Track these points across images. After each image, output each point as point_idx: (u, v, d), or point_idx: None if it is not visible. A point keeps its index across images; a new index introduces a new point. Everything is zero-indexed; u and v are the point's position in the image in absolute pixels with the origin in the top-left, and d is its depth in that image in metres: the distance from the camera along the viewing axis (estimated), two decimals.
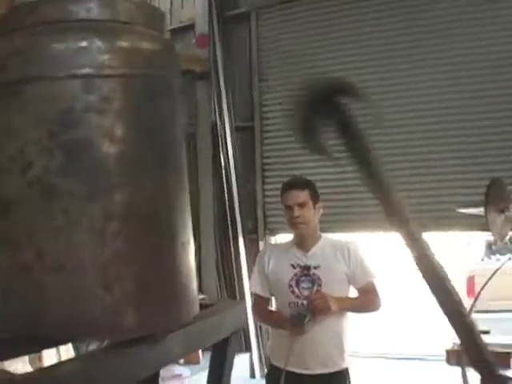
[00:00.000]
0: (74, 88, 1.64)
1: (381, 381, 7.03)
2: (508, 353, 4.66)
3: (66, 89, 1.64)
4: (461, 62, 5.58)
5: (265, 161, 6.27)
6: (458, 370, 5.00)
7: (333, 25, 6.03)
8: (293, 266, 3.64)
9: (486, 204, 4.75)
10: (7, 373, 1.47)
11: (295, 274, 3.64)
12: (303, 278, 3.66)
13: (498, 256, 9.99)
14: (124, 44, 1.68)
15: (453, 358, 4.88)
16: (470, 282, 9.83)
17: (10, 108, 1.67)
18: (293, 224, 3.64)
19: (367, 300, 3.71)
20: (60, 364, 1.58)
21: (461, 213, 5.23)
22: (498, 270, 3.66)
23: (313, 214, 3.61)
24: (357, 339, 4.15)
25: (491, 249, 10.02)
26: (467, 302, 6.35)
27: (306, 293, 3.61)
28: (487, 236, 9.09)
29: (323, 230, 3.74)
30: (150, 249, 1.71)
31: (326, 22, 6.05)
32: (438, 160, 5.67)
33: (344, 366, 3.64)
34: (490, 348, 4.83)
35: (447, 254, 14.85)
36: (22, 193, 1.65)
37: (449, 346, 5.01)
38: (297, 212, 3.57)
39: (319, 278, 3.62)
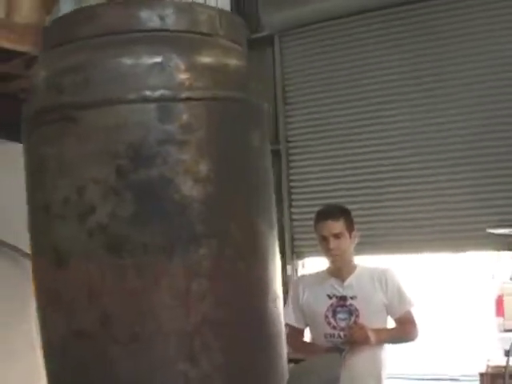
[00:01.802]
0: (146, 114, 1.25)
1: None
2: None
3: (136, 115, 1.25)
4: (487, 80, 5.26)
5: (291, 184, 5.92)
6: None
7: (356, 46, 5.72)
8: (329, 296, 3.42)
9: None
10: None
11: (331, 305, 3.40)
12: (340, 309, 3.41)
13: None
14: (208, 60, 1.29)
15: (487, 381, 4.66)
16: (499, 301, 9.62)
17: (64, 138, 1.28)
18: (328, 255, 3.42)
19: (405, 330, 3.47)
20: None
21: (489, 233, 4.91)
22: None
23: (348, 244, 3.40)
24: (392, 359, 3.86)
25: None
26: (496, 321, 6.09)
27: (342, 324, 3.38)
28: None
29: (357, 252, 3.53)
30: (241, 311, 1.31)
31: (349, 44, 5.74)
32: (467, 180, 5.35)
33: None
34: None
35: (476, 273, 14.59)
36: (82, 244, 1.26)
37: (483, 369, 4.76)
38: (332, 244, 3.35)
39: (356, 309, 3.38)
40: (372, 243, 5.62)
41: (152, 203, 1.24)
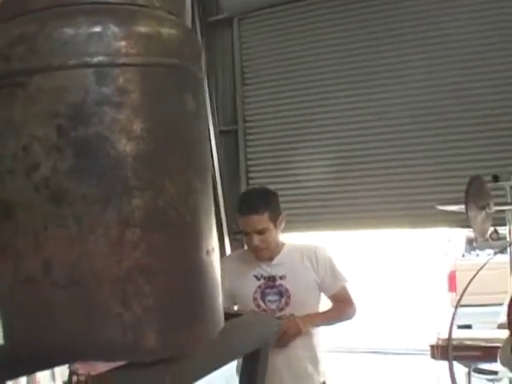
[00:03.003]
0: (85, 78, 1.35)
1: (367, 375, 6.85)
2: (493, 347, 4.46)
3: (76, 79, 1.35)
4: (436, 57, 5.38)
5: (249, 162, 6.02)
6: (442, 364, 4.84)
7: (312, 29, 5.80)
8: (256, 277, 3.22)
9: (466, 201, 4.58)
10: None
11: (259, 286, 3.21)
12: (269, 291, 3.23)
13: (477, 252, 9.93)
14: (143, 29, 1.39)
15: (437, 352, 4.72)
16: (452, 277, 9.81)
17: (13, 101, 1.37)
18: (253, 251, 3.20)
19: (340, 310, 3.35)
20: None
21: (441, 210, 5.04)
22: (485, 264, 3.44)
23: (274, 235, 3.18)
24: (343, 335, 3.93)
25: (471, 245, 9.92)
26: (449, 297, 6.22)
27: (273, 306, 3.20)
28: (467, 232, 9.00)
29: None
30: (173, 259, 1.42)
31: (306, 27, 5.83)
32: (418, 159, 5.49)
33: (321, 379, 3.29)
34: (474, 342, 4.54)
35: (428, 250, 14.83)
36: (28, 196, 1.35)
37: (433, 341, 4.85)
38: (256, 240, 3.12)
39: (287, 290, 3.20)
40: (327, 220, 5.78)
41: (90, 158, 1.34)
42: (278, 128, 5.87)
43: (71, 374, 1.29)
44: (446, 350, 4.51)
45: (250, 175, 6.02)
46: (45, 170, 1.34)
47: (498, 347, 4.37)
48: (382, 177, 5.59)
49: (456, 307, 3.29)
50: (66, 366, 1.35)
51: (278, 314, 3.16)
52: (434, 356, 4.72)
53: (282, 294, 3.21)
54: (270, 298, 3.22)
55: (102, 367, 1.34)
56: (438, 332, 4.87)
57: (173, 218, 1.42)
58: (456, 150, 5.35)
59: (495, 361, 4.49)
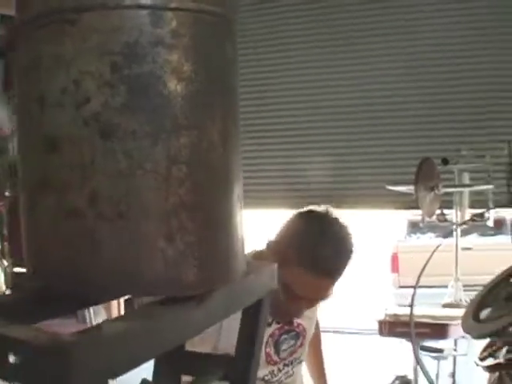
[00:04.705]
0: (140, 19, 1.36)
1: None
2: (440, 324, 4.63)
3: (131, 20, 1.36)
4: (389, 41, 5.50)
5: None
6: (390, 340, 4.98)
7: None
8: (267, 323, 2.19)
9: (416, 182, 4.74)
10: (53, 336, 1.18)
11: (271, 335, 2.35)
12: (285, 336, 2.41)
13: (418, 234, 10.23)
14: None
15: (385, 328, 4.85)
16: (394, 258, 10.05)
17: (64, 37, 1.37)
18: (285, 317, 2.37)
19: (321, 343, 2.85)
20: (109, 324, 1.30)
21: (390, 191, 5.20)
22: (438, 246, 3.58)
23: None
24: None
25: (413, 227, 10.22)
26: (391, 278, 6.46)
27: (285, 354, 2.46)
28: (410, 215, 9.24)
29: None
30: (213, 199, 1.46)
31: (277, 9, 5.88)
32: (369, 140, 5.63)
33: None
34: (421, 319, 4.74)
35: (372, 231, 15.10)
36: (76, 130, 1.36)
37: (381, 317, 4.98)
38: (306, 309, 2.37)
39: (304, 329, 2.50)
40: (278, 198, 5.86)
41: (142, 96, 1.35)
42: None
43: None
44: (393, 326, 4.67)
45: None
46: (96, 104, 1.35)
47: (446, 324, 4.55)
48: (332, 157, 5.71)
49: (415, 287, 3.37)
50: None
51: (289, 359, 2.48)
52: (381, 332, 4.85)
53: (299, 335, 2.49)
54: (285, 346, 2.43)
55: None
56: (386, 308, 5.02)
57: (214, 159, 1.46)
58: (406, 133, 5.50)
59: (442, 338, 4.68)
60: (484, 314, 2.99)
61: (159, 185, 1.37)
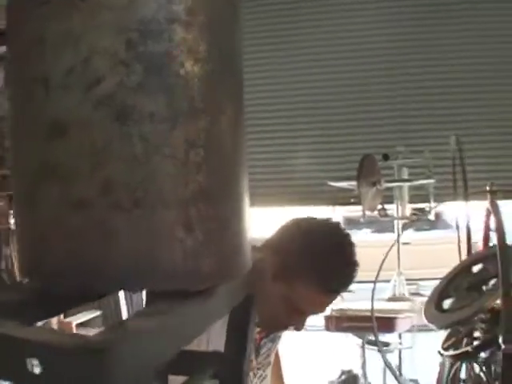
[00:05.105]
0: None
1: None
2: (387, 317, 4.67)
3: None
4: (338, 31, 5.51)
5: None
6: (337, 335, 4.98)
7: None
8: None
9: (358, 177, 4.77)
10: (78, 337, 1.07)
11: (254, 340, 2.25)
12: (265, 340, 2.32)
13: (355, 230, 10.33)
14: None
15: (331, 324, 4.87)
16: None
17: (70, 12, 1.26)
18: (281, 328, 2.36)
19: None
20: (133, 321, 1.21)
21: (329, 188, 5.22)
22: (395, 243, 3.60)
23: None
24: None
25: (349, 224, 10.30)
26: None
27: (261, 359, 2.37)
28: (345, 212, 9.33)
29: None
30: (229, 185, 1.39)
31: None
32: (311, 136, 5.65)
33: None
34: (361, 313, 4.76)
35: None
36: (87, 113, 1.25)
37: (327, 313, 4.97)
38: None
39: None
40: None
41: (160, 75, 1.26)
42: None
43: None
44: (340, 322, 4.68)
45: None
46: (109, 85, 1.25)
47: (392, 318, 4.59)
48: (274, 153, 5.69)
49: (375, 282, 3.38)
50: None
51: (263, 362, 2.39)
52: (328, 328, 4.85)
53: (276, 337, 2.40)
54: (264, 349, 2.33)
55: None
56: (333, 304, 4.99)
57: (228, 144, 1.39)
58: (347, 130, 5.54)
59: (389, 332, 4.71)
60: (447, 303, 3.01)
61: (178, 170, 1.28)
